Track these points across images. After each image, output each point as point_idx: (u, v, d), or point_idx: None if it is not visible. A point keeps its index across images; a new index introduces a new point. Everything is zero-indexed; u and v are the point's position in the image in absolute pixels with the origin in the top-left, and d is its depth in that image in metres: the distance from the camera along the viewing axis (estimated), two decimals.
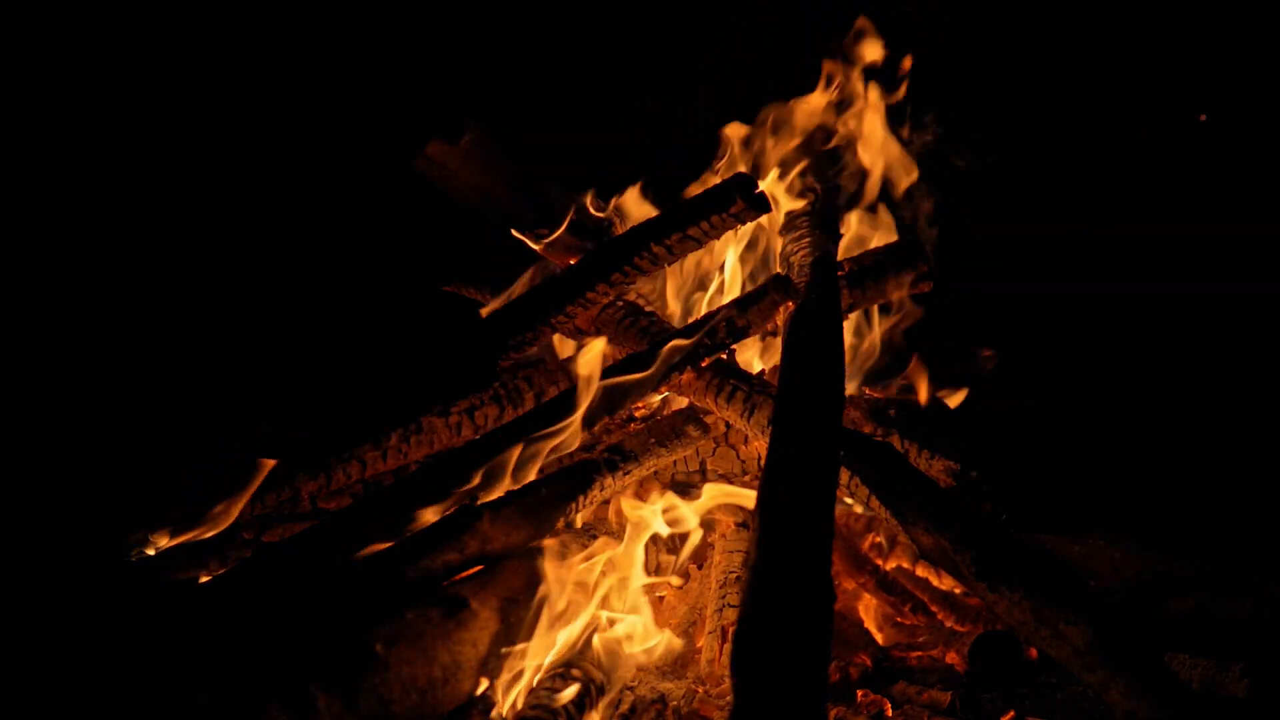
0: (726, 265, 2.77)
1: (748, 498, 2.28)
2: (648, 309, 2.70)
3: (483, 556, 1.90)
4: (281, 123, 3.89)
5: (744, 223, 2.39)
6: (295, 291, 3.88)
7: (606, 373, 2.20)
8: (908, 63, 2.87)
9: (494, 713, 1.73)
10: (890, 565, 2.46)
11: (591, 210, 2.82)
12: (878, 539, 2.49)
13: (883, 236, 2.91)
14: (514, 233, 2.72)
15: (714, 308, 2.51)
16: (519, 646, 1.80)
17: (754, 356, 2.72)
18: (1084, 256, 3.88)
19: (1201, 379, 3.51)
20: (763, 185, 2.45)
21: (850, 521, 2.54)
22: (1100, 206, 3.89)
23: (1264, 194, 3.74)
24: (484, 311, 2.70)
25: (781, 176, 2.84)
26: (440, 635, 1.69)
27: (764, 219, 2.56)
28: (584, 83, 3.92)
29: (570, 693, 1.75)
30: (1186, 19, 3.71)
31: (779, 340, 2.44)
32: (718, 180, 2.54)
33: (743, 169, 2.78)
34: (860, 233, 2.91)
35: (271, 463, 2.18)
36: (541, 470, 2.18)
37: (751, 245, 2.84)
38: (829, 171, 2.88)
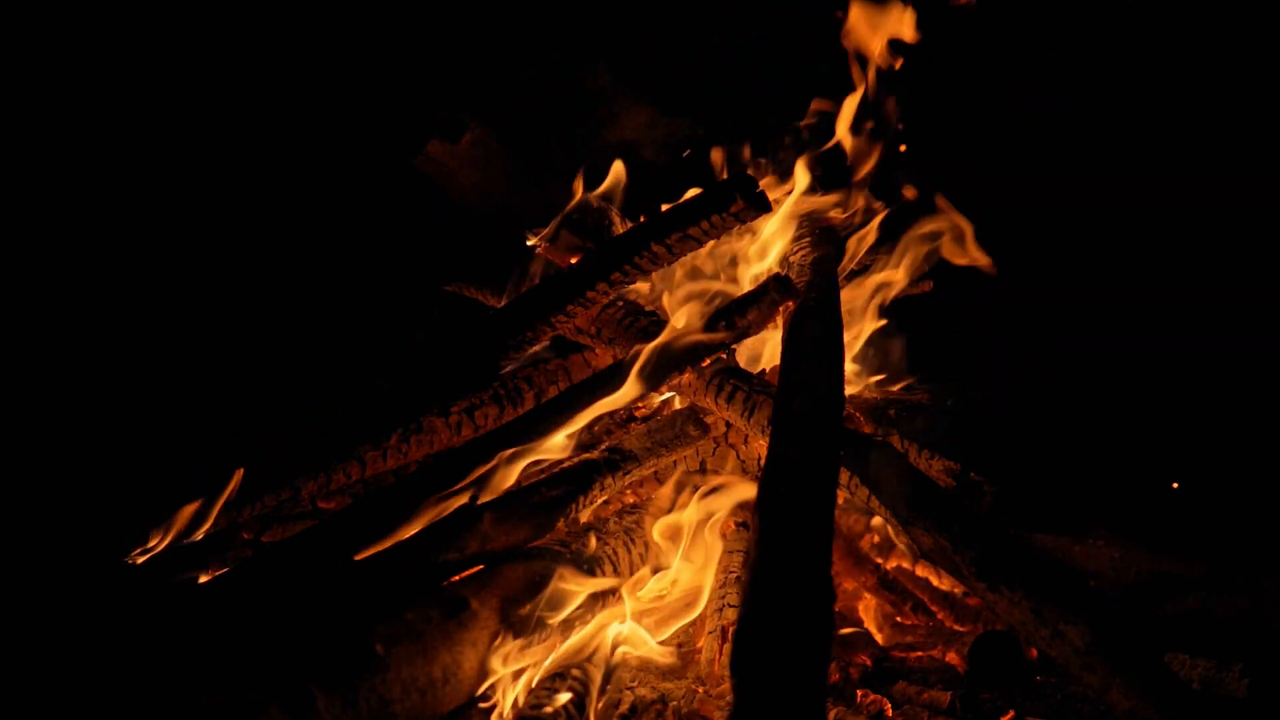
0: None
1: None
2: (648, 309, 2.69)
3: (483, 556, 1.90)
4: (282, 123, 3.89)
5: (744, 222, 2.39)
6: (296, 291, 3.87)
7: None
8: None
9: (494, 713, 1.72)
10: (890, 565, 2.46)
11: (592, 209, 2.82)
12: (877, 539, 2.49)
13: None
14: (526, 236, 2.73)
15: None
16: (519, 646, 1.79)
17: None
18: (1087, 256, 3.88)
19: (1201, 378, 3.51)
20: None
21: (850, 521, 2.54)
22: (1099, 204, 3.89)
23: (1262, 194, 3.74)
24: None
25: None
26: (440, 635, 1.69)
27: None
28: (584, 81, 3.92)
29: (570, 693, 1.75)
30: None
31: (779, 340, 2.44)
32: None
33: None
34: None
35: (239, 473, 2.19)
36: (541, 470, 2.18)
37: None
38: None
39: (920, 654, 2.22)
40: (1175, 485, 2.65)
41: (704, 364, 2.36)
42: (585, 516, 2.23)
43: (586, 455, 2.27)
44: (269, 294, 3.86)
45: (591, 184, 2.84)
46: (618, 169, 2.82)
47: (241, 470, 2.23)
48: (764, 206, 2.32)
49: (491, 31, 3.93)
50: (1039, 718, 1.92)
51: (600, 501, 2.28)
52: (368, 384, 2.92)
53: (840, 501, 2.41)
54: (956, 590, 2.36)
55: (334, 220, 3.93)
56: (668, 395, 2.61)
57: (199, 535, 2.22)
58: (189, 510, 2.19)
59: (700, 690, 2.02)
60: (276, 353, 3.68)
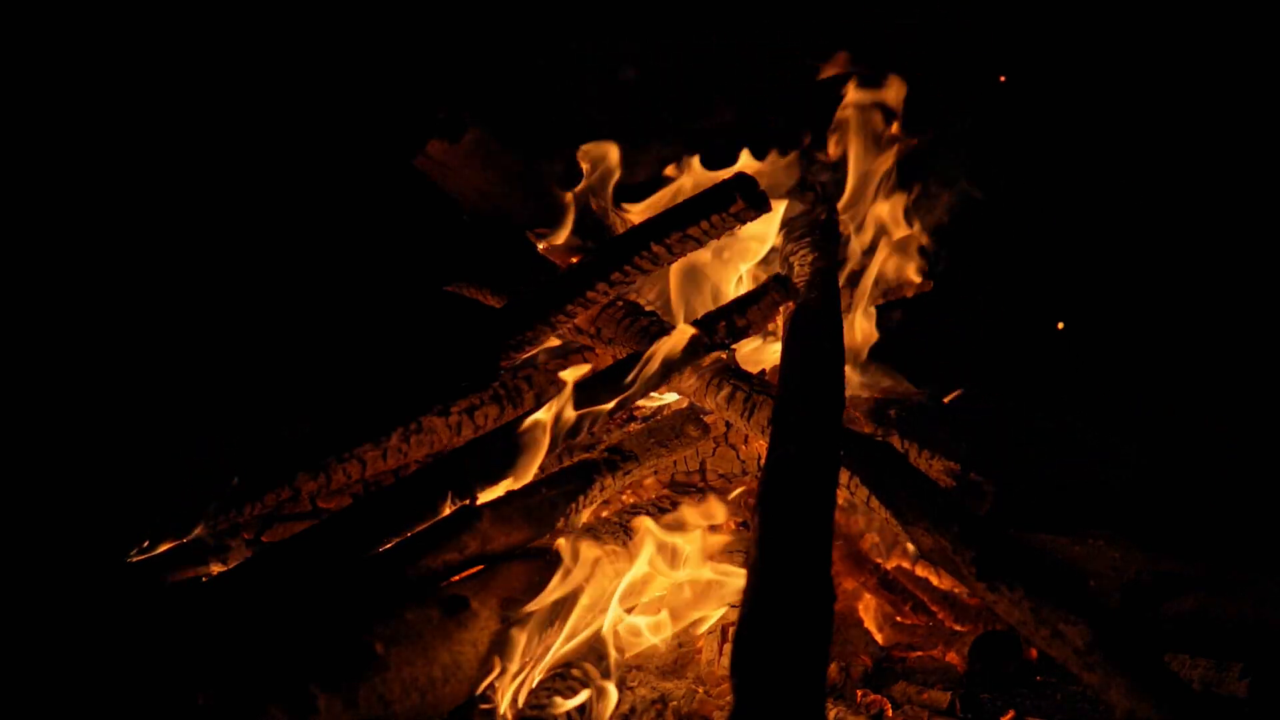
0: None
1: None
2: (648, 309, 2.69)
3: (483, 556, 1.90)
4: (282, 122, 3.89)
5: (744, 222, 2.39)
6: (296, 292, 3.87)
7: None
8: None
9: (494, 713, 1.73)
10: (890, 565, 2.46)
11: (593, 209, 2.82)
12: (877, 539, 2.49)
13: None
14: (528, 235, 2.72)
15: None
16: (520, 646, 1.80)
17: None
18: (1086, 251, 3.89)
19: (1200, 378, 3.51)
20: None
21: (850, 521, 2.54)
22: (1099, 206, 3.90)
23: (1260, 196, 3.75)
24: None
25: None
26: (440, 635, 1.69)
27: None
28: (585, 80, 3.92)
29: (570, 693, 1.75)
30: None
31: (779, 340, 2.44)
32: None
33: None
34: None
35: None
36: (542, 469, 2.18)
37: None
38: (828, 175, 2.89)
39: (920, 654, 2.22)
40: (1173, 484, 2.65)
41: (704, 363, 2.36)
42: (585, 516, 2.23)
43: (586, 455, 2.27)
44: (270, 294, 3.86)
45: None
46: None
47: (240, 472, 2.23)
48: (764, 207, 2.32)
49: (494, 27, 3.93)
50: (1039, 717, 1.92)
51: (600, 501, 2.28)
52: (366, 384, 2.92)
53: (840, 501, 2.41)
54: (956, 590, 2.36)
55: (334, 220, 3.93)
56: (668, 396, 2.61)
57: (198, 535, 2.22)
58: (190, 509, 2.20)
59: (700, 690, 2.02)
60: (277, 353, 3.68)
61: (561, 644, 1.89)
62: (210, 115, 3.83)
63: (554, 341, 2.64)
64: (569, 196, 2.72)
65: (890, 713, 1.94)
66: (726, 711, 1.91)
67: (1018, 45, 3.81)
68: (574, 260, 2.69)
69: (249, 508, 2.27)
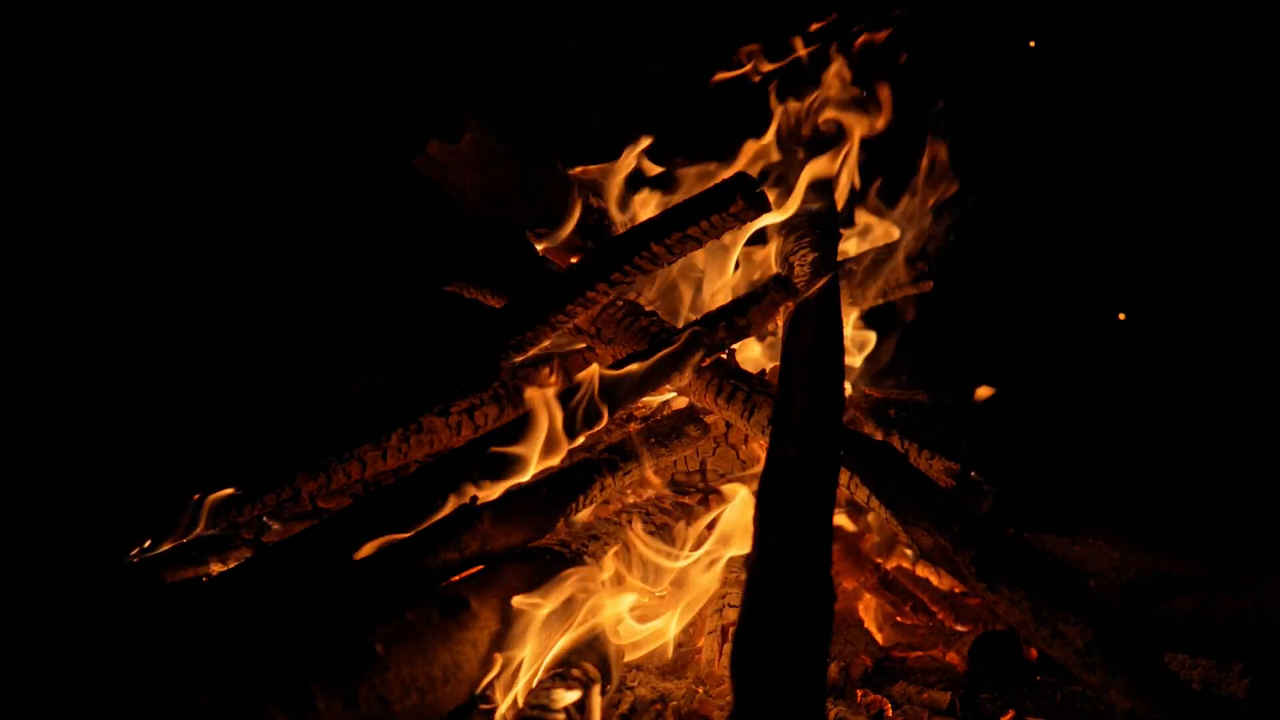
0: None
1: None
2: (648, 309, 2.69)
3: (483, 556, 1.90)
4: (282, 123, 3.89)
5: (744, 222, 2.39)
6: (296, 292, 3.88)
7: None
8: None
9: (494, 713, 1.72)
10: (890, 565, 2.46)
11: (593, 208, 2.82)
12: (878, 539, 2.49)
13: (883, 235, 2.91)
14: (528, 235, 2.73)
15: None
16: (520, 646, 1.79)
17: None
18: (1087, 251, 3.89)
19: (1199, 379, 3.51)
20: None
21: (850, 521, 2.54)
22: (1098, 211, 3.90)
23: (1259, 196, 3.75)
24: None
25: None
26: (440, 635, 1.69)
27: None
28: (586, 80, 3.92)
29: (570, 693, 1.75)
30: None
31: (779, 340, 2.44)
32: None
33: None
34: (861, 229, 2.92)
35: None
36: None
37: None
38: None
39: (920, 654, 2.22)
40: (1174, 484, 2.65)
41: (704, 363, 2.36)
42: (585, 516, 2.23)
43: (586, 455, 2.27)
44: (271, 295, 3.86)
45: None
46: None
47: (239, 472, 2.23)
48: (764, 206, 2.32)
49: (494, 27, 3.93)
50: (1039, 717, 1.92)
51: (600, 501, 2.28)
52: (366, 384, 2.92)
53: (841, 501, 2.41)
54: (956, 590, 2.36)
55: (334, 220, 3.93)
56: (668, 395, 2.61)
57: (198, 535, 2.22)
58: (190, 509, 2.20)
59: (700, 690, 2.02)
60: (277, 353, 3.68)
61: (562, 643, 1.88)
62: (212, 116, 3.83)
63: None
64: (569, 196, 2.72)
65: (890, 713, 1.94)
66: (726, 711, 1.91)
67: (1016, 43, 3.81)
68: (574, 260, 2.69)
69: (249, 508, 2.27)
